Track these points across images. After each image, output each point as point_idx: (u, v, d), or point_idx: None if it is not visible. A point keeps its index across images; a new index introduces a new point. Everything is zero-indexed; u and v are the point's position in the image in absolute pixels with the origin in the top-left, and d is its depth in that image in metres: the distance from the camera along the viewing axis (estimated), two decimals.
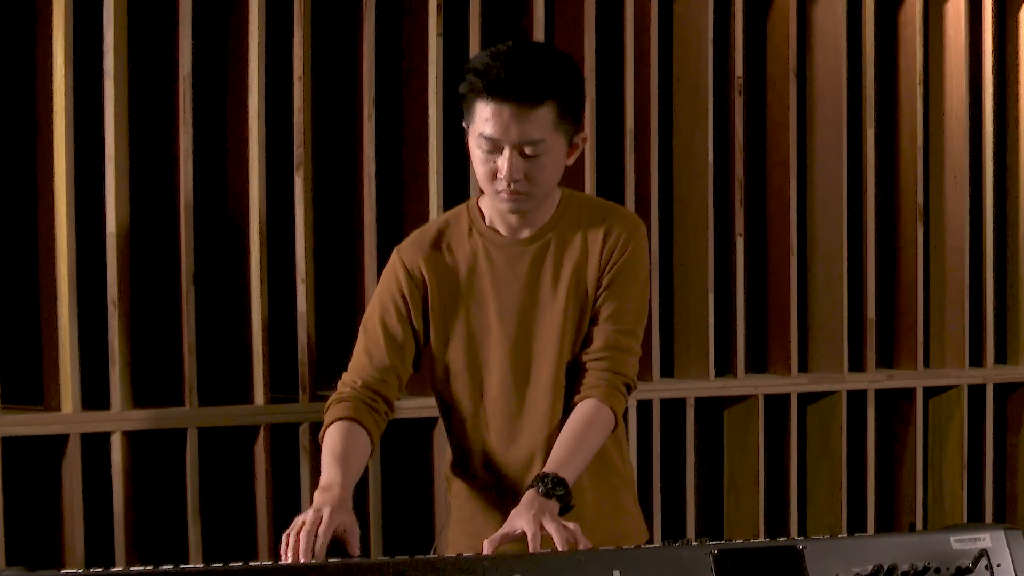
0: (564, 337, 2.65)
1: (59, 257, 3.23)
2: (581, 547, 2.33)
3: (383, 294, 2.71)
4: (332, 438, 2.58)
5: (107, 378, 3.29)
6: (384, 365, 2.66)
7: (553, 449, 2.56)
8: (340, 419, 2.59)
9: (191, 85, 3.36)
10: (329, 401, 2.65)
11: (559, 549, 2.31)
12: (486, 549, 2.32)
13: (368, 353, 2.68)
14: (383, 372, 2.66)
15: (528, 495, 2.45)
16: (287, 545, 2.36)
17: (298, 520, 2.39)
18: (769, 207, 4.23)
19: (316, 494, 2.47)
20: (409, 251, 2.71)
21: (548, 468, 2.50)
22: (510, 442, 2.69)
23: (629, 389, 2.68)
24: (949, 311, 4.44)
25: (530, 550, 2.32)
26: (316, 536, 2.36)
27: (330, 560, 2.28)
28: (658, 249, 4.00)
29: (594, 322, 2.66)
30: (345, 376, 2.69)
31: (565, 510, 2.46)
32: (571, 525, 2.37)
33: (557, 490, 2.45)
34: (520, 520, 2.39)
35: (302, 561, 2.31)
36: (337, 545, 2.43)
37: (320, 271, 3.63)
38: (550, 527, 2.36)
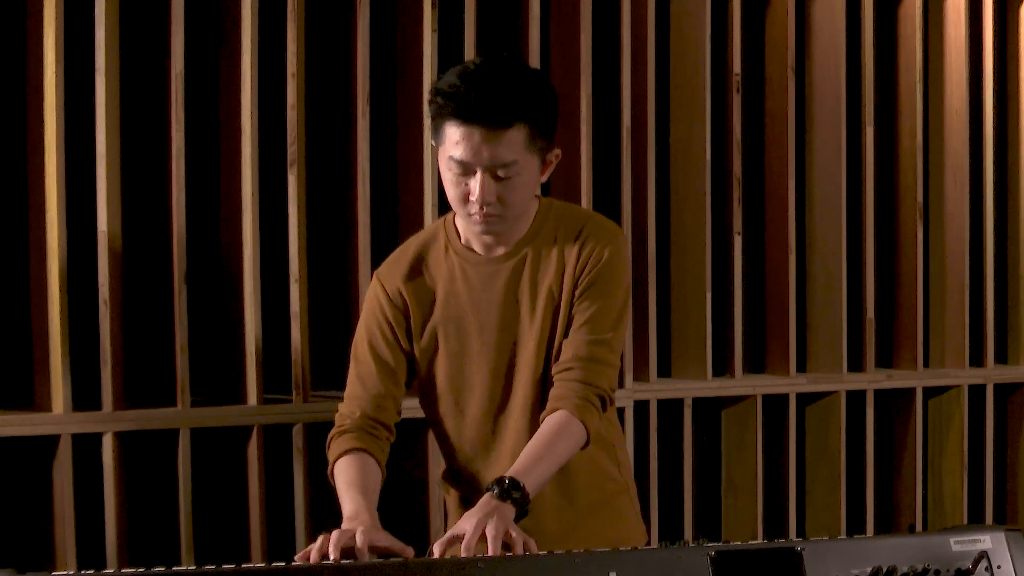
0: (542, 354, 2.61)
1: (50, 256, 3.21)
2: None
3: (368, 320, 2.69)
4: (345, 470, 2.56)
5: (98, 378, 3.27)
6: (379, 392, 2.65)
7: (518, 458, 2.51)
8: (349, 451, 2.58)
9: (184, 82, 3.34)
10: (331, 435, 2.64)
11: (490, 553, 2.28)
12: (435, 551, 2.31)
13: (362, 382, 2.66)
14: (379, 399, 2.65)
15: (483, 499, 2.42)
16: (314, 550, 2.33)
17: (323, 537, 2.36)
18: (767, 205, 4.21)
19: (343, 524, 2.44)
20: (388, 276, 2.69)
21: (509, 474, 2.46)
22: (492, 461, 2.67)
23: (604, 403, 2.60)
24: (949, 311, 4.42)
25: (461, 553, 2.29)
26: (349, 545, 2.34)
27: (324, 562, 2.26)
28: (655, 247, 3.98)
29: (566, 333, 2.60)
30: (342, 407, 2.68)
31: (522, 514, 2.42)
32: (515, 534, 2.33)
33: (512, 493, 2.41)
34: (466, 522, 2.36)
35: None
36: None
37: (314, 270, 3.61)
38: (489, 533, 2.32)
